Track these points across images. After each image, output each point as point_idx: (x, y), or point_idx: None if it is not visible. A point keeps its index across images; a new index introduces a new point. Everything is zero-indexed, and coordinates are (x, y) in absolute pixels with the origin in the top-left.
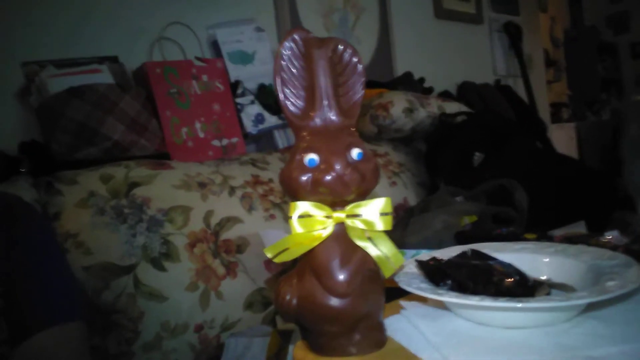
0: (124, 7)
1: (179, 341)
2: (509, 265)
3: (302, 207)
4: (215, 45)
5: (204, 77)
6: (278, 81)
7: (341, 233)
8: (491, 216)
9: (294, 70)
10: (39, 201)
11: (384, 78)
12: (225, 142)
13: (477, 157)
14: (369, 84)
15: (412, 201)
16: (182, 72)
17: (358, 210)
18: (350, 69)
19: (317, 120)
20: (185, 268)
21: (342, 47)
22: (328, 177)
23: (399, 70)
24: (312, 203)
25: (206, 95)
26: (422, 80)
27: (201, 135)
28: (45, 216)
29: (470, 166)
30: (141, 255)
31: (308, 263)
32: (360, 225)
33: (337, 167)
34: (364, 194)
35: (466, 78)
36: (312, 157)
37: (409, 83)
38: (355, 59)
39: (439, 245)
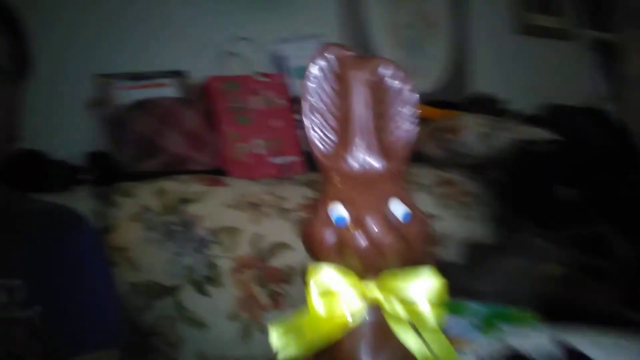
0: (192, 23)
1: None
2: None
3: (324, 274)
4: (279, 61)
5: (266, 93)
6: (305, 107)
7: (376, 320)
8: (586, 269)
9: (324, 96)
10: (97, 212)
11: (455, 98)
12: (284, 160)
13: (565, 192)
14: (438, 104)
15: (486, 238)
16: (245, 87)
17: (397, 285)
18: (398, 97)
19: (352, 163)
20: (228, 295)
21: (388, 70)
22: (359, 242)
23: (474, 90)
24: (337, 269)
25: (267, 111)
26: (500, 102)
27: (260, 152)
28: (101, 228)
29: (556, 203)
30: (185, 276)
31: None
32: (400, 312)
33: (372, 228)
34: (410, 264)
35: (553, 100)
36: (340, 212)
37: (485, 105)
38: (406, 86)
39: (512, 299)
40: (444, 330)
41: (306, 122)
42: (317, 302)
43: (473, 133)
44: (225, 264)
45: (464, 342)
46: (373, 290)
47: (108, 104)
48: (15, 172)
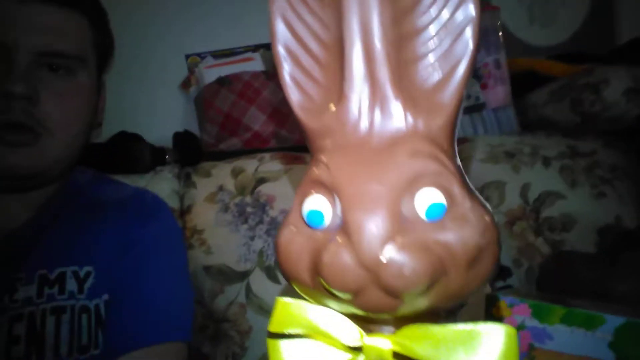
0: None
1: None
2: None
3: (297, 313)
4: None
5: None
6: (276, 23)
7: None
8: None
9: (304, 12)
10: (178, 193)
11: (599, 49)
12: None
13: None
14: (574, 58)
15: (631, 222)
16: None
17: (423, 347)
18: (439, 10)
19: (348, 118)
20: None
21: None
22: (341, 264)
23: (624, 37)
24: (320, 309)
25: None
26: None
27: None
28: (181, 209)
29: None
30: (257, 261)
31: None
32: None
33: (368, 238)
34: (447, 302)
35: None
36: (315, 206)
37: (638, 54)
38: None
39: None
40: None
41: (276, 52)
42: (284, 355)
43: (619, 89)
44: None
45: None
46: (380, 344)
47: (197, 83)
48: (106, 153)
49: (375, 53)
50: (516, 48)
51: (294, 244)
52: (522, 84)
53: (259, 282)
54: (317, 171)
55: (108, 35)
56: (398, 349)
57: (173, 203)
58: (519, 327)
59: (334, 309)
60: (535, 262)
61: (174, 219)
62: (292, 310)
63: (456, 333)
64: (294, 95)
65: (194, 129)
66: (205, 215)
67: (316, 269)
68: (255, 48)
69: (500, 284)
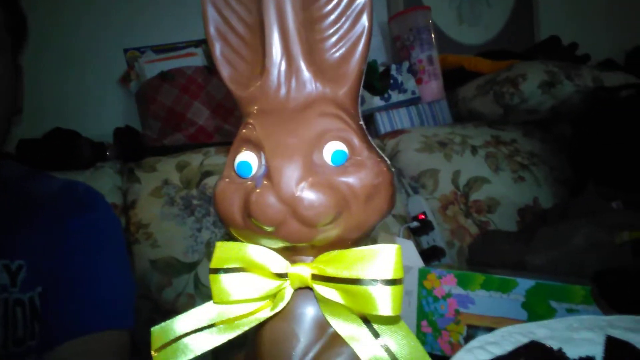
0: None
1: (234, 354)
2: None
3: (233, 252)
4: None
5: None
6: (208, 8)
7: (307, 308)
8: None
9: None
10: (121, 188)
11: (521, 47)
12: None
13: None
14: (498, 55)
15: (547, 203)
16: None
17: (336, 267)
18: (340, 4)
19: (270, 87)
20: None
21: None
22: (265, 202)
23: (543, 35)
24: (252, 247)
25: None
26: (573, 46)
27: None
28: (124, 204)
29: (638, 160)
30: (204, 252)
31: (249, 355)
32: (337, 299)
33: (286, 180)
34: (354, 231)
35: (638, 42)
36: (244, 158)
37: (555, 50)
38: None
39: (579, 274)
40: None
41: (208, 33)
42: (226, 286)
43: (535, 82)
44: None
45: (507, 323)
46: (301, 267)
47: (137, 78)
48: (43, 149)
49: (290, 33)
50: (447, 46)
51: (228, 191)
52: (453, 79)
53: (207, 272)
54: (245, 132)
55: (21, 16)
56: (316, 271)
57: (115, 199)
58: (447, 295)
59: (264, 245)
60: (465, 242)
61: (109, 209)
62: (229, 249)
63: (359, 253)
64: (224, 70)
65: (135, 124)
66: (150, 210)
67: (246, 209)
68: (197, 43)
69: (435, 263)
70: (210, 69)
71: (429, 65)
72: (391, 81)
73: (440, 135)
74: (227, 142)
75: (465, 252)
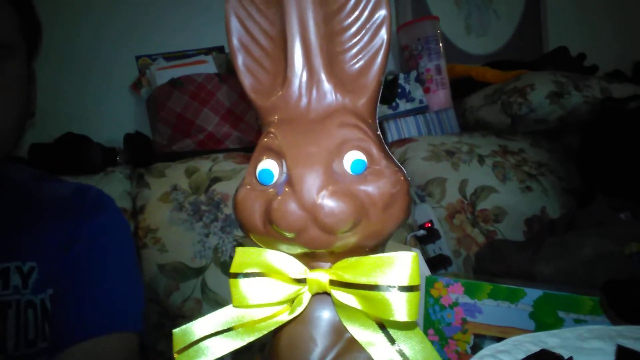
0: None
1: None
2: None
3: (253, 257)
4: None
5: None
6: (231, 20)
7: (325, 313)
8: None
9: (254, 11)
10: (131, 193)
11: (529, 57)
12: None
13: None
14: (506, 65)
15: (554, 213)
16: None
17: (353, 274)
18: (361, 11)
19: (291, 97)
20: None
21: None
22: (286, 209)
23: (551, 46)
24: (272, 252)
25: None
26: (581, 57)
27: None
28: (133, 209)
29: None
30: (212, 257)
31: (267, 358)
32: (354, 304)
33: (307, 188)
34: (371, 239)
35: None
36: (266, 166)
37: (563, 61)
38: None
39: (588, 285)
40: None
41: (231, 45)
42: (244, 291)
43: (543, 93)
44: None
45: (514, 333)
46: (319, 273)
47: (148, 85)
48: (54, 154)
49: (311, 45)
50: (455, 55)
51: (249, 198)
52: (460, 88)
53: (214, 277)
54: (267, 140)
55: (36, 21)
56: (334, 277)
57: (125, 204)
58: (454, 304)
59: (283, 251)
60: (472, 251)
61: (119, 213)
62: (248, 254)
63: (377, 260)
64: (246, 80)
65: (146, 130)
66: (159, 215)
67: (267, 216)
68: (207, 51)
69: (442, 272)
70: (221, 75)
71: (437, 74)
72: (399, 90)
73: (447, 144)
74: (236, 149)
75: (471, 261)
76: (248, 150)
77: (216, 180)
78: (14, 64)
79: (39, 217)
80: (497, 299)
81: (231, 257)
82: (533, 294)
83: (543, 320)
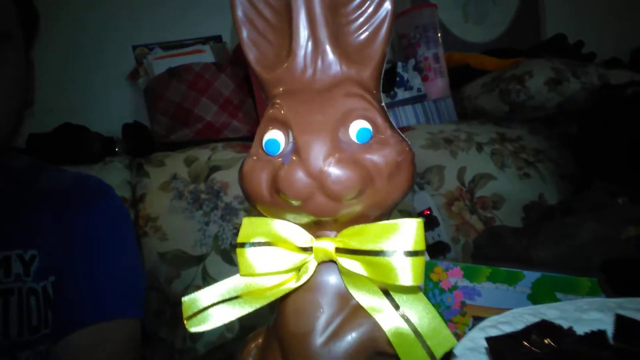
0: None
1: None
2: None
3: (260, 227)
4: None
5: None
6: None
7: (331, 281)
8: None
9: None
10: (130, 182)
11: (527, 45)
12: None
13: None
14: (504, 53)
15: (552, 199)
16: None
17: (359, 241)
18: None
19: (296, 69)
20: None
21: None
22: (293, 177)
23: (548, 33)
24: (278, 222)
25: None
26: (579, 44)
27: None
28: (133, 198)
29: None
30: (212, 245)
31: (275, 325)
32: (360, 270)
33: (314, 156)
34: (376, 208)
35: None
36: (272, 136)
37: (560, 48)
38: None
39: (585, 269)
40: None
41: (235, 17)
42: (251, 260)
43: (541, 80)
44: None
45: None
46: (325, 242)
47: (145, 74)
48: (52, 144)
49: (316, 17)
50: (452, 44)
51: (256, 168)
52: (458, 77)
53: (215, 265)
54: (273, 111)
55: (33, 8)
56: (339, 245)
57: (124, 193)
58: (453, 288)
59: (289, 221)
60: (470, 238)
61: (119, 201)
62: (255, 224)
63: (382, 226)
64: (251, 53)
65: (143, 120)
66: (159, 203)
67: (274, 185)
68: (205, 40)
69: (440, 258)
70: (219, 65)
71: (435, 63)
72: (397, 79)
73: (446, 132)
74: (234, 138)
75: (470, 247)
76: (247, 140)
77: (215, 169)
78: (12, 52)
79: (39, 206)
80: (495, 281)
81: (232, 245)
82: (531, 276)
83: (541, 301)
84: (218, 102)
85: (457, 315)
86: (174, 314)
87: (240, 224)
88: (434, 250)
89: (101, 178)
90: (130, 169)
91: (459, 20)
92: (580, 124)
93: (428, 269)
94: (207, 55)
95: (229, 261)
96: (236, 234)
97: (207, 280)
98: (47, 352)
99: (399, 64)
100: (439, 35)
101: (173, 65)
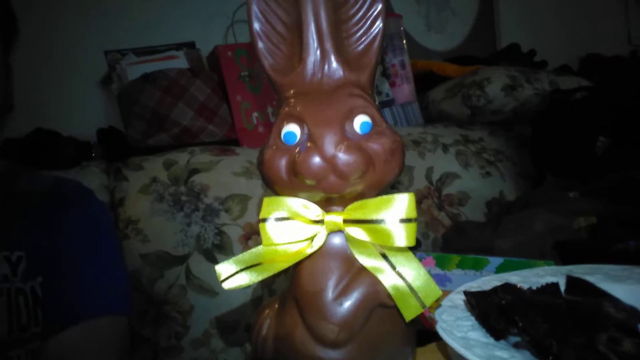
0: None
1: (227, 340)
2: (635, 312)
3: (279, 205)
4: None
5: None
6: (253, 11)
7: (339, 248)
8: (616, 219)
9: (272, 3)
10: (108, 187)
11: (484, 53)
12: None
13: (601, 142)
14: (464, 60)
15: (511, 196)
16: (254, 54)
17: (362, 213)
18: (359, 4)
19: (306, 74)
20: None
21: None
22: (310, 161)
23: (504, 43)
24: (294, 199)
25: None
26: (532, 53)
27: (273, 120)
28: (112, 202)
29: (591, 154)
30: (194, 245)
31: (291, 288)
32: (364, 237)
33: (326, 144)
34: (375, 187)
35: (591, 50)
36: (290, 129)
37: (515, 57)
38: None
39: (540, 254)
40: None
41: (253, 32)
42: (272, 232)
43: (498, 86)
44: (233, 231)
45: None
46: (334, 216)
47: (119, 80)
48: (28, 149)
49: (323, 31)
50: (417, 51)
51: (276, 156)
52: (423, 82)
53: (198, 264)
54: (288, 109)
55: (10, 14)
56: (346, 217)
57: (102, 197)
58: None
59: (304, 198)
60: (439, 233)
61: (99, 203)
62: (274, 202)
63: (380, 200)
64: (266, 62)
65: (117, 124)
66: (139, 206)
67: (292, 168)
68: (178, 46)
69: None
70: (194, 70)
71: (402, 69)
72: None
73: (413, 134)
74: (211, 142)
75: (439, 242)
76: (223, 144)
77: (195, 171)
78: None
79: (23, 209)
80: (464, 268)
81: (214, 244)
82: (495, 261)
83: None
84: (194, 107)
85: None
86: (158, 314)
87: (220, 224)
88: None
89: (79, 181)
90: (107, 173)
91: (422, 30)
92: (534, 126)
93: None
94: (180, 61)
95: (212, 260)
96: (217, 234)
97: (191, 278)
98: (38, 350)
99: None
100: (405, 43)
101: (147, 70)
